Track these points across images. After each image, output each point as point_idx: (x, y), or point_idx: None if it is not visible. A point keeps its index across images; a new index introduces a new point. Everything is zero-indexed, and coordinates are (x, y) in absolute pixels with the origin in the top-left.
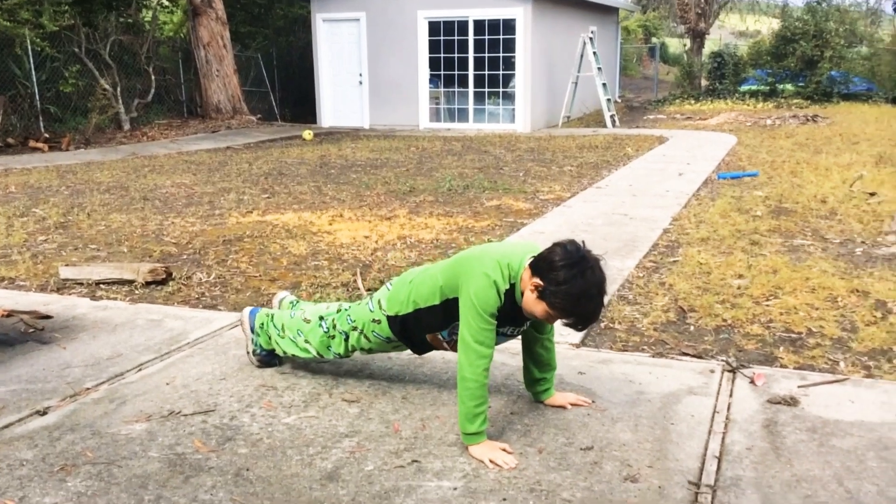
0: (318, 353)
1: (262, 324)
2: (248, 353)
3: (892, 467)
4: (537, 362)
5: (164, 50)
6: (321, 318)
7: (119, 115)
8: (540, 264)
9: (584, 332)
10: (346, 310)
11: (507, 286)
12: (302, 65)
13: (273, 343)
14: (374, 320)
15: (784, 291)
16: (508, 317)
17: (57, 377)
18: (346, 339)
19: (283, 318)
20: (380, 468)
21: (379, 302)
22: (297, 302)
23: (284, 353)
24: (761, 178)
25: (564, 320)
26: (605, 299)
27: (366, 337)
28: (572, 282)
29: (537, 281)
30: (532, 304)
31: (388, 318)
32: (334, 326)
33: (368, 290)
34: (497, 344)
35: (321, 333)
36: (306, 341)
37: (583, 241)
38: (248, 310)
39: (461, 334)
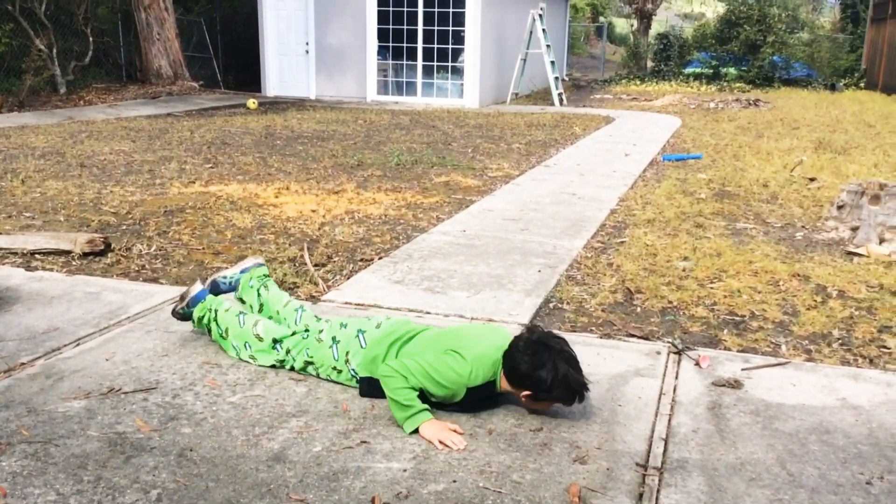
0: (264, 367)
1: (203, 316)
2: (174, 309)
3: (833, 451)
4: None
5: (102, 10)
6: (275, 340)
7: (55, 78)
8: (516, 376)
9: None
10: (303, 338)
11: (491, 378)
12: (247, 31)
13: (212, 336)
14: (335, 368)
15: (728, 274)
16: (485, 397)
17: None
18: (303, 368)
19: (229, 321)
20: (328, 449)
21: (347, 355)
22: (267, 283)
23: (226, 352)
24: (705, 160)
25: (568, 405)
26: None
27: (319, 375)
28: (553, 374)
29: (525, 392)
30: (533, 405)
31: (360, 379)
32: (288, 352)
33: (316, 265)
34: (470, 410)
35: (273, 357)
36: (252, 357)
37: (534, 326)
38: (197, 288)
39: (412, 362)
